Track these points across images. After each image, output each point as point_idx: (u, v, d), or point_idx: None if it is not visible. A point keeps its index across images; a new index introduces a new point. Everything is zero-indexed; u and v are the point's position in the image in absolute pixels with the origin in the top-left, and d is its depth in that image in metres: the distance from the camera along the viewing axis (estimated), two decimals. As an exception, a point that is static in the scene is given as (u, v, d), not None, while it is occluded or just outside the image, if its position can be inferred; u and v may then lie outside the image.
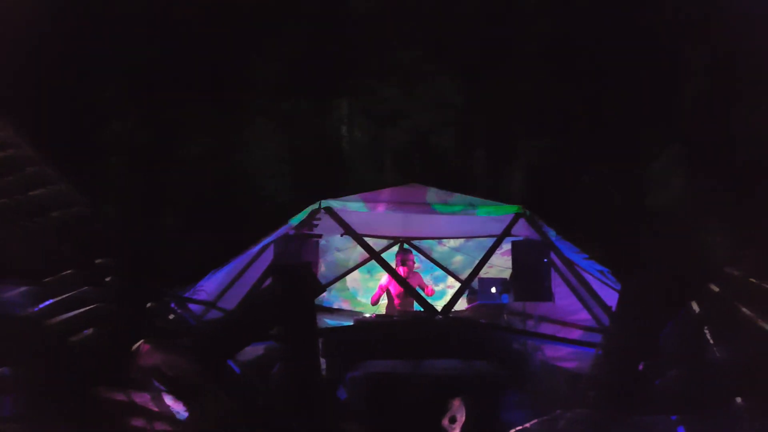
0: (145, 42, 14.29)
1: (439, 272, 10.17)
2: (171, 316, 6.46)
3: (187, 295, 7.20)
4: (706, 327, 6.12)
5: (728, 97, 13.09)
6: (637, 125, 13.62)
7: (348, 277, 10.09)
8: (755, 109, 12.48)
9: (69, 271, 5.87)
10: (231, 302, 7.91)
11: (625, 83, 14.04)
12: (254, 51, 14.77)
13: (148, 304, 6.03)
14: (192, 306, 7.41)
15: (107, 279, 6.04)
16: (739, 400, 5.31)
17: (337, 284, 10.01)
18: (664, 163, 13.05)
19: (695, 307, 6.30)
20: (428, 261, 10.09)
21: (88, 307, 5.63)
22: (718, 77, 13.33)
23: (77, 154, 12.47)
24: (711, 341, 6.02)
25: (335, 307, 9.97)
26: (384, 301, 9.09)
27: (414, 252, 9.55)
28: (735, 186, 11.63)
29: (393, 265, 8.73)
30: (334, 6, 15.10)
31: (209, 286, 8.21)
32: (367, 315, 8.66)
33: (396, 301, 8.92)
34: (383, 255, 9.21)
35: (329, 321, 9.40)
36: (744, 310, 5.94)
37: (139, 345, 5.61)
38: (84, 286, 5.81)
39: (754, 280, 6.12)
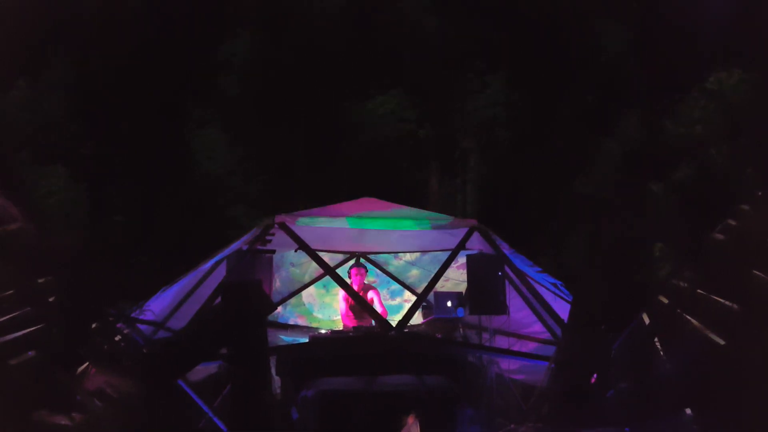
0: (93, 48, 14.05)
1: (396, 286, 10.12)
2: (118, 337, 6.23)
3: (134, 314, 6.97)
4: (656, 339, 6.20)
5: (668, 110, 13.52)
6: (584, 136, 13.92)
7: (304, 293, 9.94)
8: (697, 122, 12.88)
9: (9, 292, 5.63)
10: (182, 320, 7.71)
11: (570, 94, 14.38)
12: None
13: (93, 325, 5.81)
14: (141, 326, 7.19)
15: (50, 299, 5.82)
16: (688, 411, 5.38)
17: (293, 300, 9.86)
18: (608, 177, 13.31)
19: (646, 319, 6.39)
20: (384, 275, 10.03)
21: (29, 329, 5.40)
22: (660, 93, 13.74)
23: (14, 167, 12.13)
24: (661, 353, 6.10)
25: (291, 323, 9.82)
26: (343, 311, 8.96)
27: (370, 266, 9.49)
28: (681, 197, 11.92)
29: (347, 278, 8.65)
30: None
31: (159, 304, 7.99)
32: (323, 331, 8.53)
33: (351, 314, 8.82)
34: (339, 270, 9.10)
35: (285, 337, 9.26)
36: (693, 321, 6.03)
37: (85, 367, 5.42)
38: (25, 306, 5.58)
39: (701, 292, 6.22)
